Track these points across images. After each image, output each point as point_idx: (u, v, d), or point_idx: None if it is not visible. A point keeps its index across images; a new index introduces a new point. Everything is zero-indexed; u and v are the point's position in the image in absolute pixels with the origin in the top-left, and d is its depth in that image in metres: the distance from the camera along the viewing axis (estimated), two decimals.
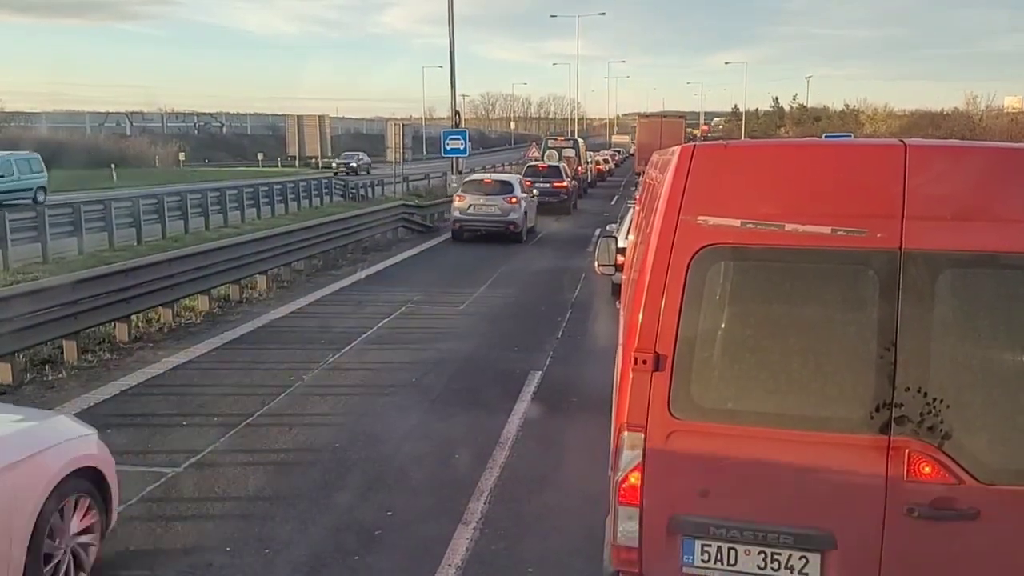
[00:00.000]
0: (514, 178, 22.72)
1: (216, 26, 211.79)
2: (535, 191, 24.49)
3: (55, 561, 4.23)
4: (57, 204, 17.90)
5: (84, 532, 4.49)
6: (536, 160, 34.52)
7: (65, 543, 4.32)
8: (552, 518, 5.59)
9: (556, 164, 30.87)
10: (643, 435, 3.32)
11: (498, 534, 5.35)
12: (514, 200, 20.66)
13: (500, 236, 20.33)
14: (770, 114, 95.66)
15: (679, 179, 3.33)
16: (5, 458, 3.88)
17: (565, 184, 28.86)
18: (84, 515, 4.49)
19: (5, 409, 4.44)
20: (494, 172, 30.19)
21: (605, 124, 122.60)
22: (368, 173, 42.91)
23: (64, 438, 4.47)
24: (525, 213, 21.19)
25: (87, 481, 4.49)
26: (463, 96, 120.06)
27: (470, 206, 20.59)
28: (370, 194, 33.79)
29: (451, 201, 24.70)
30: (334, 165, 52.25)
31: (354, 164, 51.96)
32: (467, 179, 22.90)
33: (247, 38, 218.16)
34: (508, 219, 20.45)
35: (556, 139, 43.76)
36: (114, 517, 4.79)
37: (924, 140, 3.47)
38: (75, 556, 4.40)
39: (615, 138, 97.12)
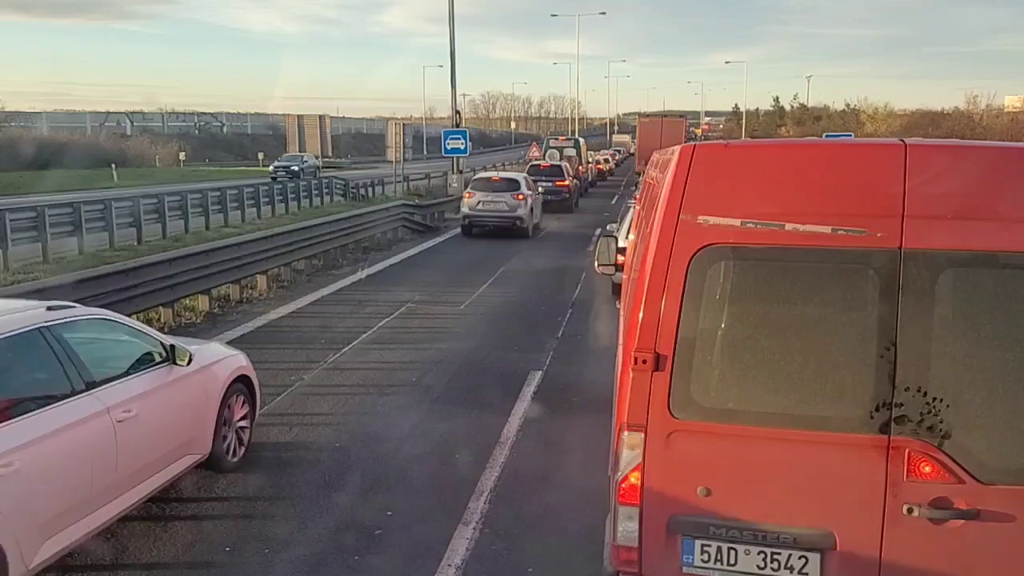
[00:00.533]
0: (521, 176, 23.56)
1: (216, 25, 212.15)
2: (540, 189, 25.34)
3: (228, 441, 6.22)
4: (57, 204, 17.86)
5: (242, 419, 6.46)
6: (538, 159, 34.96)
7: (232, 426, 6.30)
8: (552, 518, 5.59)
9: (558, 163, 31.45)
10: (643, 435, 3.32)
11: (498, 534, 5.35)
12: (521, 197, 21.54)
13: (507, 231, 21.13)
14: (771, 113, 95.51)
15: (679, 179, 3.33)
16: (201, 362, 5.90)
17: (567, 183, 29.43)
18: (241, 407, 6.44)
19: (180, 340, 6.00)
20: (502, 171, 31.13)
21: (605, 123, 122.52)
22: (315, 177, 36.07)
23: (227, 355, 6.47)
24: (531, 209, 22.04)
25: (242, 384, 6.45)
26: (463, 95, 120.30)
27: (479, 203, 21.50)
28: (370, 194, 33.82)
29: (451, 201, 26.45)
30: (271, 169, 44.01)
31: (296, 167, 43.50)
32: (476, 177, 23.82)
33: (247, 37, 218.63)
34: (515, 215, 21.32)
35: (557, 139, 44.03)
36: (257, 412, 6.78)
37: (924, 139, 3.47)
38: (238, 436, 6.38)
39: (616, 137, 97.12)
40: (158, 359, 5.49)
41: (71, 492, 4.49)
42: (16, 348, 4.51)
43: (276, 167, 43.99)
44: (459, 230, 22.46)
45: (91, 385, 4.77)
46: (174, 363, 5.55)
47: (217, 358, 6.24)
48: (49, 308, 4.92)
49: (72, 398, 4.61)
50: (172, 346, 5.61)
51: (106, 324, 5.39)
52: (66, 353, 4.73)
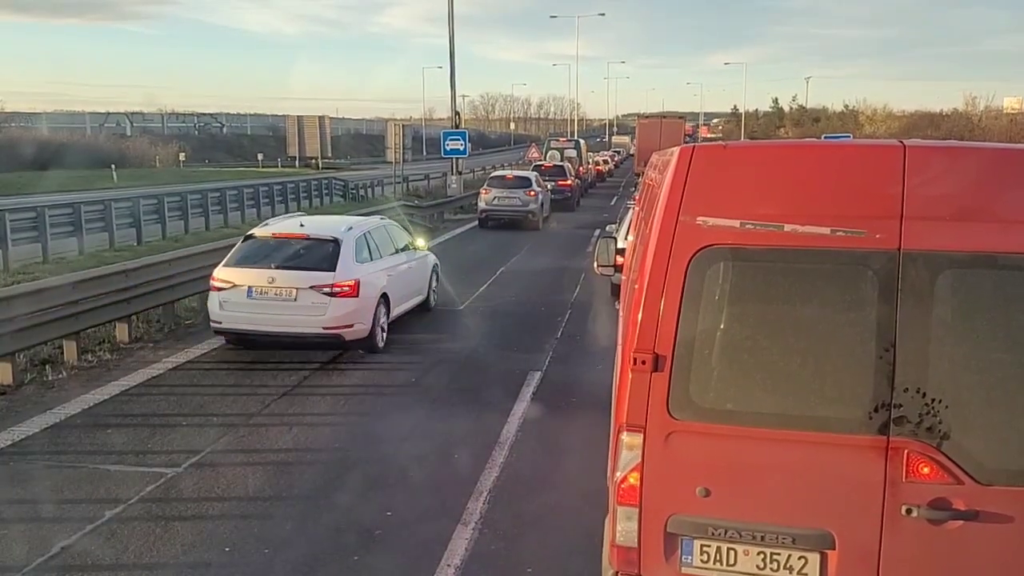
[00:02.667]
0: (532, 174, 25.91)
1: (216, 26, 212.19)
2: (548, 187, 27.27)
3: (432, 296, 12.02)
4: (57, 204, 17.87)
5: (434, 287, 12.17)
6: (538, 160, 35.49)
7: (433, 289, 12.12)
8: (551, 518, 5.60)
9: (561, 164, 32.62)
10: (642, 435, 3.32)
11: (497, 534, 5.36)
12: (532, 193, 23.89)
13: (520, 224, 23.51)
14: (769, 115, 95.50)
15: (678, 180, 3.33)
16: (423, 253, 11.86)
17: (570, 183, 30.69)
18: (436, 281, 12.18)
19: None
20: (514, 169, 32.83)
21: (605, 124, 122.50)
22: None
23: (430, 254, 12.26)
24: (542, 204, 24.47)
25: (436, 269, 12.21)
26: (463, 97, 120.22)
27: (495, 198, 23.85)
28: (370, 195, 33.82)
29: (451, 201, 28.21)
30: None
31: None
32: (492, 175, 26.54)
33: (247, 38, 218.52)
34: (527, 209, 23.67)
35: (558, 139, 44.29)
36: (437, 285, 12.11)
37: (923, 141, 3.47)
38: (432, 294, 12.11)
39: (615, 139, 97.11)
40: (409, 245, 11.27)
41: (400, 289, 10.47)
42: (377, 231, 10.55)
43: None
44: (459, 231, 23.26)
45: (400, 251, 10.97)
46: (414, 248, 11.43)
47: (426, 254, 12.02)
48: (381, 218, 12.04)
49: (395, 254, 10.62)
50: (413, 241, 11.60)
51: (394, 225, 11.53)
52: (388, 236, 10.80)
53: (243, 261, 9.35)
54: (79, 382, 8.49)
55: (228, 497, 5.88)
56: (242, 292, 9.09)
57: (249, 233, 9.94)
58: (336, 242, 9.40)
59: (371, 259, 9.83)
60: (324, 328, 9.03)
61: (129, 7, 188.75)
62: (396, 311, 10.31)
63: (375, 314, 9.49)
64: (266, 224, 10.53)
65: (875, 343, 3.12)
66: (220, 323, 9.24)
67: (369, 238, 10.04)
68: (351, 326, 9.14)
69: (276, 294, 9.07)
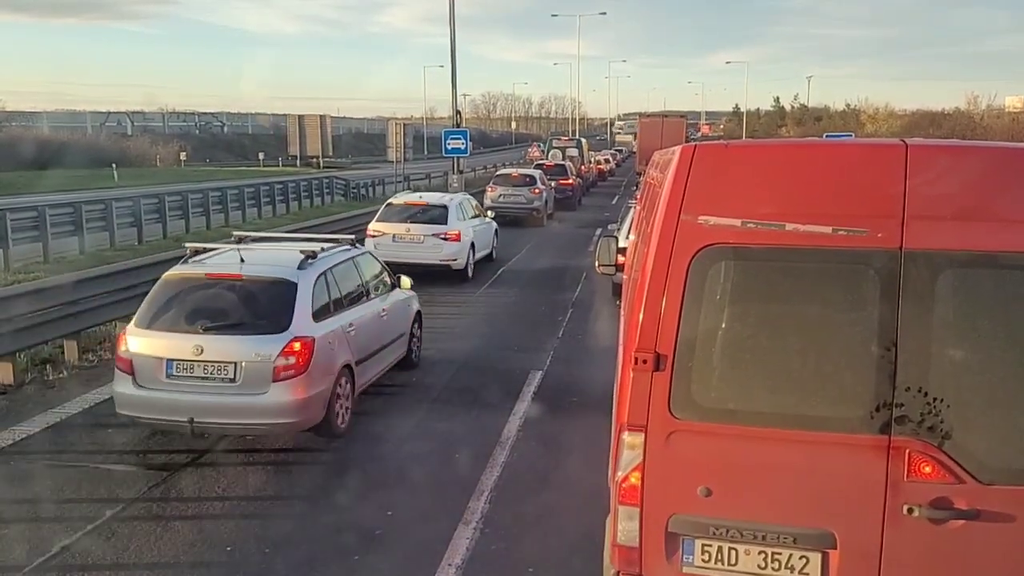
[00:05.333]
0: (537, 173, 26.35)
1: (216, 25, 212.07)
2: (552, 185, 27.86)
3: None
4: (58, 204, 17.86)
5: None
6: (539, 159, 35.54)
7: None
8: (552, 518, 5.59)
9: (562, 163, 32.72)
10: (643, 435, 3.32)
11: (498, 534, 5.35)
12: (537, 191, 24.60)
13: (524, 221, 23.94)
14: (771, 114, 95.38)
15: (680, 179, 3.32)
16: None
17: (571, 182, 30.90)
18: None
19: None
20: (520, 168, 32.97)
21: (606, 123, 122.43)
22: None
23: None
24: (546, 202, 25.25)
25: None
26: (464, 96, 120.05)
27: (500, 196, 24.50)
28: (371, 194, 33.82)
29: None
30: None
31: None
32: (497, 174, 27.21)
33: (247, 37, 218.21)
34: (532, 206, 24.34)
35: (560, 138, 44.32)
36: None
37: (925, 140, 3.47)
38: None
39: (619, 137, 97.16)
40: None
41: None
42: (467, 201, 15.74)
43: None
44: None
45: (475, 217, 15.37)
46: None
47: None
48: (464, 194, 17.13)
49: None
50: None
51: (469, 199, 15.56)
52: (471, 206, 15.64)
53: (386, 218, 14.70)
54: (80, 381, 8.48)
55: (228, 496, 5.87)
56: (388, 238, 14.24)
57: (388, 201, 15.79)
58: (446, 207, 14.80)
59: (465, 219, 15.06)
60: (440, 260, 14.17)
61: (128, 7, 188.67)
62: (480, 254, 15.64)
63: (468, 257, 14.78)
64: (397, 196, 17.05)
65: (876, 342, 3.11)
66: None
67: (465, 205, 15.63)
68: (456, 259, 14.40)
69: (410, 239, 14.27)
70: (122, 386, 6.53)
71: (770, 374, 3.22)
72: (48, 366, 8.83)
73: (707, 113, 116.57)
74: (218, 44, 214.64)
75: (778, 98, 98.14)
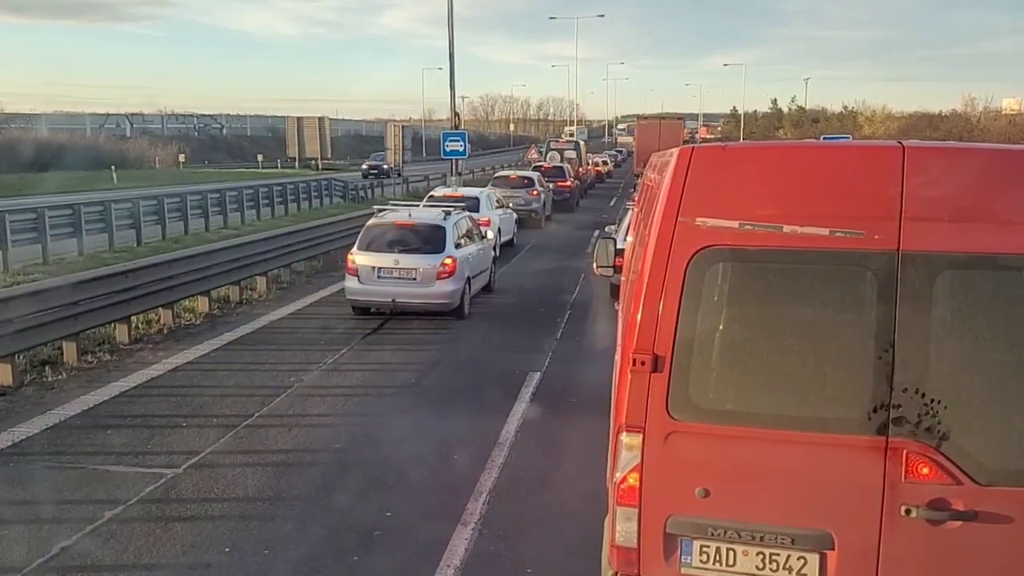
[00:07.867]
0: (535, 175, 26.64)
1: (215, 27, 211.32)
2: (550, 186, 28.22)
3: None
4: (57, 206, 17.86)
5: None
6: (537, 161, 35.60)
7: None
8: (551, 519, 5.60)
9: (560, 165, 32.65)
10: (642, 436, 3.33)
11: (497, 535, 5.36)
12: (535, 193, 24.91)
13: (523, 222, 23.40)
14: (769, 116, 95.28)
15: (678, 181, 3.34)
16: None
17: (569, 183, 30.81)
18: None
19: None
20: (516, 170, 32.98)
21: (604, 125, 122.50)
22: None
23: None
24: (544, 203, 25.66)
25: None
26: (462, 98, 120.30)
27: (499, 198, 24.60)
28: (369, 196, 33.84)
29: None
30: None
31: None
32: (496, 176, 27.41)
33: (246, 40, 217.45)
34: (531, 208, 24.38)
35: (558, 140, 44.41)
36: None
37: (922, 142, 3.48)
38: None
39: (621, 139, 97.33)
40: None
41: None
42: (491, 195, 19.01)
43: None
44: None
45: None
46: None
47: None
48: (490, 186, 22.89)
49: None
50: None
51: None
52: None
53: (431, 201, 16.67)
54: (79, 383, 8.49)
55: (228, 498, 5.88)
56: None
57: (431, 193, 18.67)
58: (477, 199, 17.57)
59: (494, 209, 18.12)
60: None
61: (126, 9, 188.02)
62: (505, 238, 18.53)
63: (499, 235, 17.37)
64: (436, 189, 20.61)
65: (874, 344, 3.12)
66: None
67: (491, 196, 18.48)
68: (488, 222, 16.41)
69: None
70: (351, 283, 11.44)
71: (768, 375, 3.23)
72: (47, 367, 8.84)
73: (705, 115, 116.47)
74: (217, 46, 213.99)
75: (775, 100, 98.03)
